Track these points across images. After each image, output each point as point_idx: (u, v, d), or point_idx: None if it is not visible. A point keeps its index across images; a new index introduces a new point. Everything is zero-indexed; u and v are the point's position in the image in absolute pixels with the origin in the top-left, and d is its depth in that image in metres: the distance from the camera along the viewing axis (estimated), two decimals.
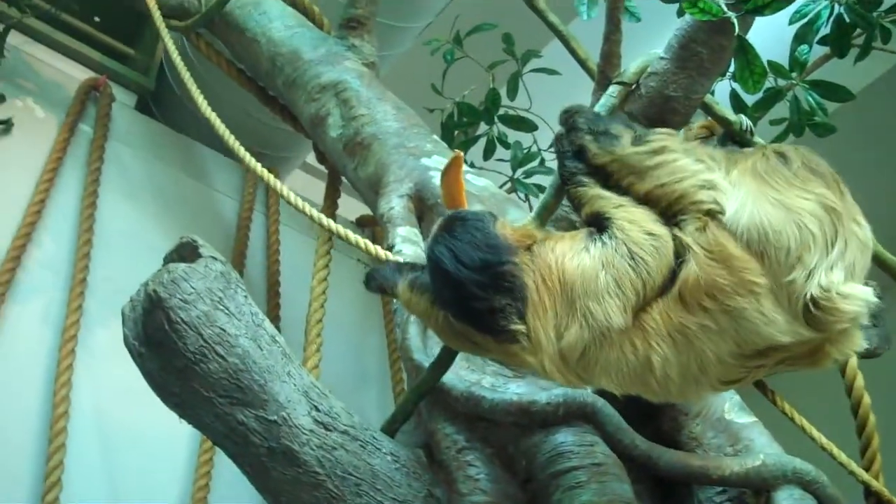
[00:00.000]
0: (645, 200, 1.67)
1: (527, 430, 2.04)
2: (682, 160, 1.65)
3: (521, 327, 1.61)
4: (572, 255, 1.63)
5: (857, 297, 1.54)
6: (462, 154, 1.95)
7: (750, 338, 1.56)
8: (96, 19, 4.27)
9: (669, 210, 1.64)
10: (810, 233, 1.55)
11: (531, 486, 2.04)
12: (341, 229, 2.33)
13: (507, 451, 2.08)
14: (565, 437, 1.99)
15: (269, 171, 4.07)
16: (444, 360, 2.05)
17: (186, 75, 2.94)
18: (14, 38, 3.63)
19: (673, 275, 1.59)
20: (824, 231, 1.56)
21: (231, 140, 2.70)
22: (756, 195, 1.59)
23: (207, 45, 3.49)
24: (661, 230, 1.62)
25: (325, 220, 2.37)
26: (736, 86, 2.71)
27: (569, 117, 1.80)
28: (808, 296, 1.53)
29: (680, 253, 1.59)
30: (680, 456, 2.07)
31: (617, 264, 1.60)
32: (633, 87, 2.00)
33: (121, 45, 4.27)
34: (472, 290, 1.61)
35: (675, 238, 1.61)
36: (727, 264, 1.55)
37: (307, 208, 2.44)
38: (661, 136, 1.70)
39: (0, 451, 2.89)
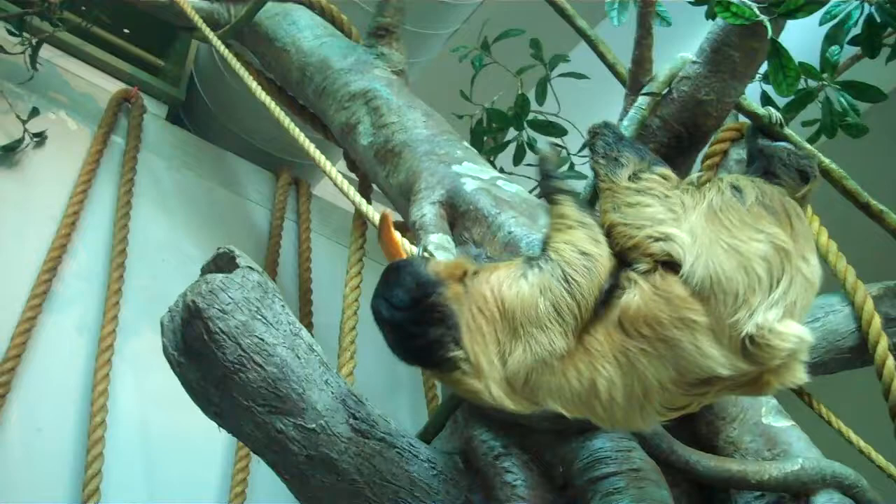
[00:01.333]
0: (608, 233, 1.75)
1: (564, 436, 2.04)
2: (655, 208, 1.73)
3: (458, 353, 1.68)
4: (510, 282, 1.71)
5: (791, 335, 1.61)
6: (389, 213, 2.00)
7: (689, 368, 1.63)
8: (126, 31, 4.31)
9: (624, 252, 1.73)
10: (757, 276, 1.63)
11: (569, 493, 2.04)
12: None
13: (544, 457, 2.08)
14: (603, 443, 1.99)
15: (299, 181, 4.18)
16: None
17: (243, 72, 2.96)
18: (46, 52, 3.67)
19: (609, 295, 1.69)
20: (771, 273, 1.64)
21: (285, 119, 2.73)
22: (711, 243, 1.66)
23: (237, 56, 3.51)
24: (595, 249, 1.72)
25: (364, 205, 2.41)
26: (767, 87, 2.71)
27: (592, 137, 1.87)
28: (746, 333, 1.61)
29: (623, 285, 1.68)
30: (718, 461, 2.07)
31: (554, 289, 1.68)
32: (663, 95, 2.00)
33: (151, 56, 4.31)
34: (409, 330, 1.71)
35: (623, 273, 1.70)
36: (669, 301, 1.64)
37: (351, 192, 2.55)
38: (655, 179, 1.77)
39: (39, 460, 2.92)
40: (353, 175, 3.77)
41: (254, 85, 2.99)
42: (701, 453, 2.10)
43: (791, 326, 1.62)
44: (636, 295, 1.66)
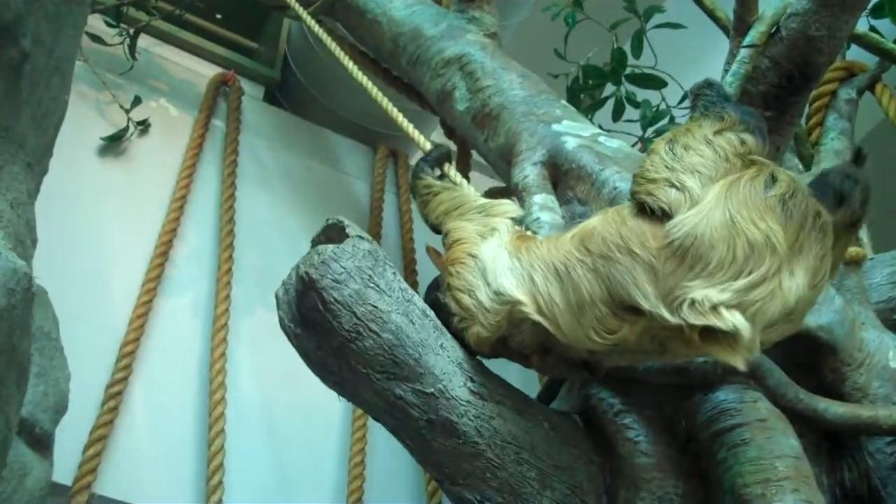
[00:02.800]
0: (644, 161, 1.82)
1: (685, 390, 2.01)
2: (703, 160, 1.73)
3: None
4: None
5: (727, 319, 1.59)
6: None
7: (617, 289, 1.67)
8: (219, 16, 4.37)
9: (638, 184, 1.78)
10: (733, 257, 1.61)
11: (693, 447, 2.01)
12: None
13: (665, 412, 2.05)
14: (726, 395, 1.95)
15: (397, 153, 4.19)
16: None
17: (334, 46, 2.98)
18: (143, 41, 3.75)
19: None
20: (747, 261, 1.61)
21: (374, 90, 2.74)
22: (712, 210, 1.66)
23: (330, 32, 3.52)
24: None
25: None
26: (875, 22, 2.60)
27: (695, 98, 1.87)
28: (688, 299, 1.61)
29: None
30: (848, 407, 2.01)
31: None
32: (772, 34, 1.93)
33: (244, 39, 4.36)
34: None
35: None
36: (626, 230, 1.70)
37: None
38: (732, 140, 1.75)
39: (164, 439, 2.99)
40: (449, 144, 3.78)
41: (343, 57, 2.99)
42: (829, 400, 2.04)
43: (735, 316, 1.59)
44: (600, 217, 1.77)
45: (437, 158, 2.32)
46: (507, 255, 1.89)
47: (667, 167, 1.75)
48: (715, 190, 1.68)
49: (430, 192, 2.24)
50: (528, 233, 2.06)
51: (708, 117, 1.80)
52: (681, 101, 3.41)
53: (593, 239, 1.74)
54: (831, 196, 1.73)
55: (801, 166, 3.03)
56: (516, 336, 1.87)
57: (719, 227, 1.63)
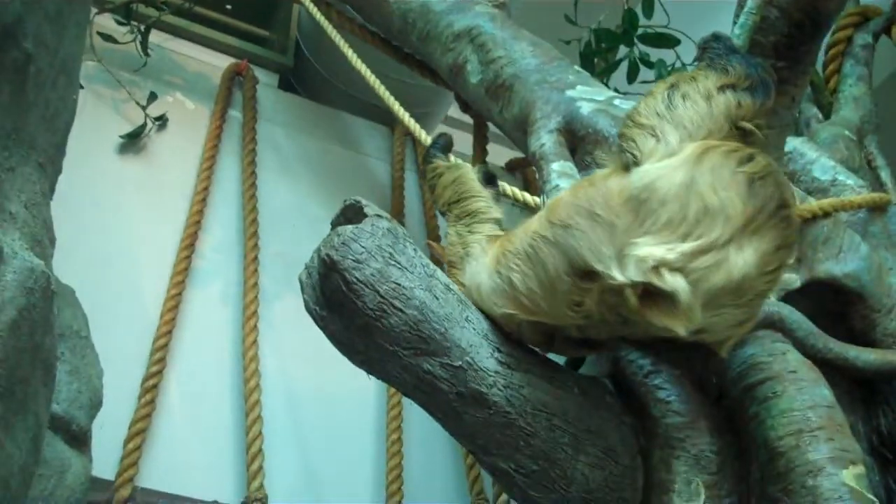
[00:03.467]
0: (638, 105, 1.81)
1: (713, 347, 2.00)
2: (693, 115, 1.71)
3: None
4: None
5: (668, 280, 1.55)
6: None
7: (573, 254, 1.65)
8: (228, 7, 4.38)
9: (624, 130, 1.77)
10: (684, 217, 1.57)
11: (725, 403, 2.01)
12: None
13: (696, 370, 2.05)
14: (755, 349, 1.95)
15: None
16: None
17: (334, 33, 2.98)
18: (155, 37, 3.76)
19: None
20: (698, 224, 1.57)
21: (379, 86, 2.74)
22: (681, 164, 1.62)
23: (339, 14, 3.52)
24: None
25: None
26: None
27: (702, 51, 1.86)
28: (633, 254, 1.58)
29: None
30: (878, 353, 2.00)
31: None
32: None
33: (255, 28, 4.36)
34: None
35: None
36: (589, 192, 1.69)
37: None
38: (730, 102, 1.73)
39: (201, 428, 3.03)
40: (464, 119, 3.77)
41: (344, 45, 3.00)
42: (859, 348, 2.03)
43: (677, 278, 1.55)
44: (571, 187, 1.81)
45: (444, 146, 2.34)
46: (487, 275, 1.90)
47: (657, 114, 1.73)
48: (688, 150, 1.65)
49: (435, 175, 2.24)
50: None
51: (714, 69, 1.78)
52: (696, 59, 3.37)
53: (558, 210, 1.73)
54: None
55: (820, 115, 3.00)
56: (520, 334, 1.90)
57: (678, 185, 1.60)
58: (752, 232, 1.58)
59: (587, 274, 1.65)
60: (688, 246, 1.56)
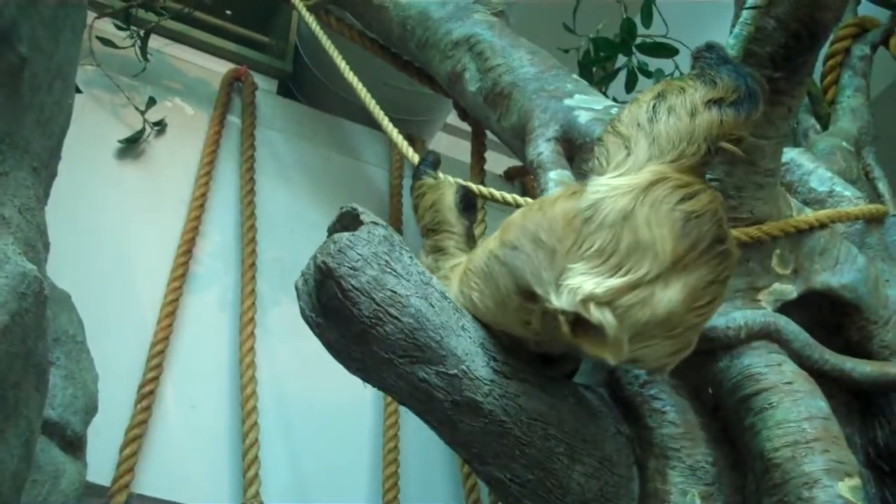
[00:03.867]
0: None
1: (709, 357, 2.01)
2: (669, 126, 1.74)
3: None
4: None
5: (595, 314, 1.59)
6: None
7: (519, 275, 1.71)
8: (228, 12, 4.38)
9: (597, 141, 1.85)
10: (616, 247, 1.61)
11: (720, 414, 2.01)
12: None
13: (691, 380, 2.05)
14: (751, 360, 1.95)
15: (413, 138, 4.19)
16: None
17: (328, 44, 2.99)
18: (154, 42, 3.75)
19: None
20: (629, 258, 1.60)
21: (370, 101, 2.76)
22: (628, 190, 1.65)
23: (338, 21, 3.53)
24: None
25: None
26: None
27: (695, 61, 1.88)
28: (566, 284, 1.62)
29: None
30: (875, 365, 2.00)
31: None
32: (768, 6, 1.90)
33: (255, 34, 4.37)
34: None
35: None
36: (536, 214, 1.74)
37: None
38: (713, 119, 1.74)
39: (197, 435, 3.02)
40: (464, 127, 3.77)
41: (336, 56, 3.01)
42: (856, 360, 2.03)
43: (605, 313, 1.59)
44: (523, 208, 1.87)
45: (433, 163, 2.34)
46: (454, 294, 1.95)
47: (638, 124, 1.76)
48: (643, 177, 1.67)
49: (419, 195, 2.26)
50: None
51: (703, 81, 1.78)
52: (693, 69, 3.38)
53: (509, 230, 1.78)
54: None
55: (817, 126, 3.01)
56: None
57: (618, 212, 1.64)
58: (681, 269, 1.62)
59: (531, 295, 1.69)
60: (616, 281, 1.60)
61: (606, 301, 1.59)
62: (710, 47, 1.86)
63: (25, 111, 1.64)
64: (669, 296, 1.60)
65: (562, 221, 1.68)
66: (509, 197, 2.52)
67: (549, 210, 1.73)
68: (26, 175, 1.63)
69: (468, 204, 2.29)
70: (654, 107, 1.77)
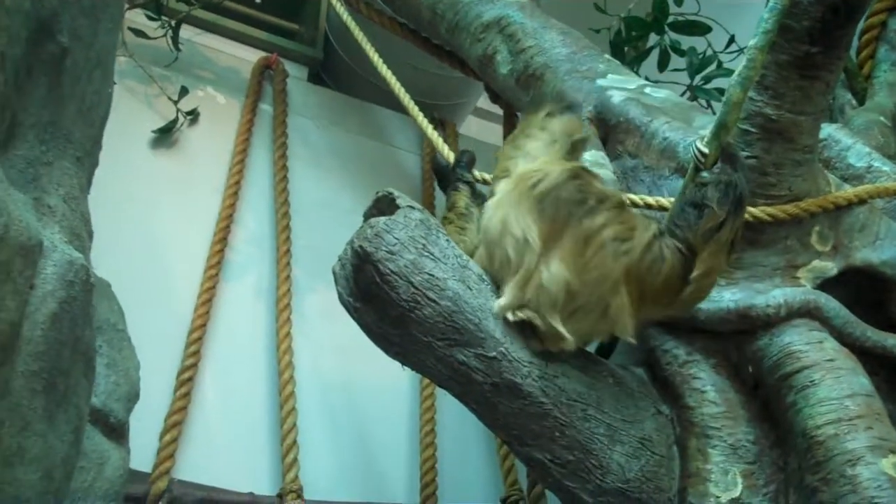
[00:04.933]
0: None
1: (749, 336, 2.00)
2: (532, 143, 2.04)
3: None
4: None
5: (520, 316, 1.83)
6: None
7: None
8: (257, 1, 4.38)
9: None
10: (507, 256, 1.84)
11: (761, 392, 2.00)
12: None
13: (731, 359, 2.04)
14: (791, 337, 1.94)
15: (444, 122, 4.19)
16: None
17: (357, 32, 2.99)
18: (185, 32, 3.77)
19: None
20: (520, 259, 1.82)
21: (398, 88, 2.76)
22: (497, 203, 1.90)
23: (367, 6, 3.53)
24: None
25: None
26: None
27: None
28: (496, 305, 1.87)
29: None
30: None
31: None
32: None
33: (285, 21, 4.37)
34: None
35: None
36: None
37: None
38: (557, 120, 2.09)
39: (236, 421, 3.04)
40: (493, 110, 3.76)
41: (370, 49, 3.00)
42: None
43: (526, 312, 1.82)
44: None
45: (469, 163, 2.33)
46: None
47: (509, 156, 2.03)
48: (508, 186, 1.90)
49: (445, 219, 2.23)
50: None
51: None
52: (727, 46, 3.35)
53: None
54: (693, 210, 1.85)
55: (854, 101, 2.97)
56: None
57: (497, 224, 1.87)
58: (553, 244, 1.80)
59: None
60: (513, 284, 1.82)
61: (518, 305, 1.82)
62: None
63: (67, 101, 1.65)
64: (553, 270, 1.78)
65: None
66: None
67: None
68: (70, 164, 1.65)
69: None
70: (513, 139, 2.09)
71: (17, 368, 1.36)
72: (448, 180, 2.29)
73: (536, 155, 1.99)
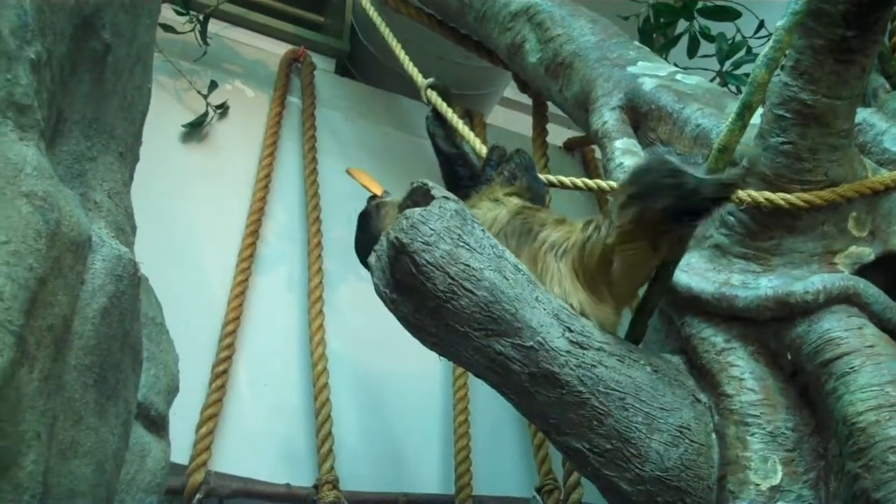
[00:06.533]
0: None
1: (787, 323, 1.98)
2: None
3: None
4: None
5: None
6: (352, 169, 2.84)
7: None
8: None
9: None
10: None
11: (800, 379, 1.99)
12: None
13: (769, 346, 2.03)
14: (830, 324, 1.92)
15: (472, 112, 4.19)
16: (667, 263, 2.04)
17: (383, 27, 2.99)
18: (213, 26, 3.78)
19: None
20: None
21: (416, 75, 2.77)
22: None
23: (397, 2, 3.53)
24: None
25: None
26: None
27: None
28: None
29: None
30: None
31: None
32: None
33: (311, 14, 4.37)
34: None
35: None
36: None
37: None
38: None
39: (271, 413, 3.06)
40: (521, 100, 3.75)
41: (396, 46, 3.01)
42: None
43: None
44: None
45: (498, 160, 2.43)
46: None
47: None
48: None
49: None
50: None
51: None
52: (756, 31, 3.33)
53: None
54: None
55: (887, 85, 2.93)
56: None
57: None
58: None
59: None
60: None
61: None
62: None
63: (110, 96, 1.67)
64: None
65: None
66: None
67: None
68: (113, 160, 1.66)
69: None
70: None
71: (69, 363, 1.37)
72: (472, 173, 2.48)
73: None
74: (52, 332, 1.29)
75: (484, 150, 2.55)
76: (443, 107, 2.65)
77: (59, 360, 1.31)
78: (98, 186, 1.60)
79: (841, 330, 1.91)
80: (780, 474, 1.90)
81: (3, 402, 1.18)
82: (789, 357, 1.98)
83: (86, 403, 1.39)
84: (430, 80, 2.74)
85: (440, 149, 2.68)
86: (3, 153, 1.29)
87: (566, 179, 2.54)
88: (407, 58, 2.92)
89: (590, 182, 2.50)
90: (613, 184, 2.33)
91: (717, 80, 3.27)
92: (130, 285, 1.53)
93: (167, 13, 3.61)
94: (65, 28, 1.48)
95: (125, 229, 1.66)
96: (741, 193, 2.02)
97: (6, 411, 1.19)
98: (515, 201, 2.23)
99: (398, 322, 1.95)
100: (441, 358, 1.99)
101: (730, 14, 3.26)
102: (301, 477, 2.91)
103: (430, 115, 2.72)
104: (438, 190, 1.92)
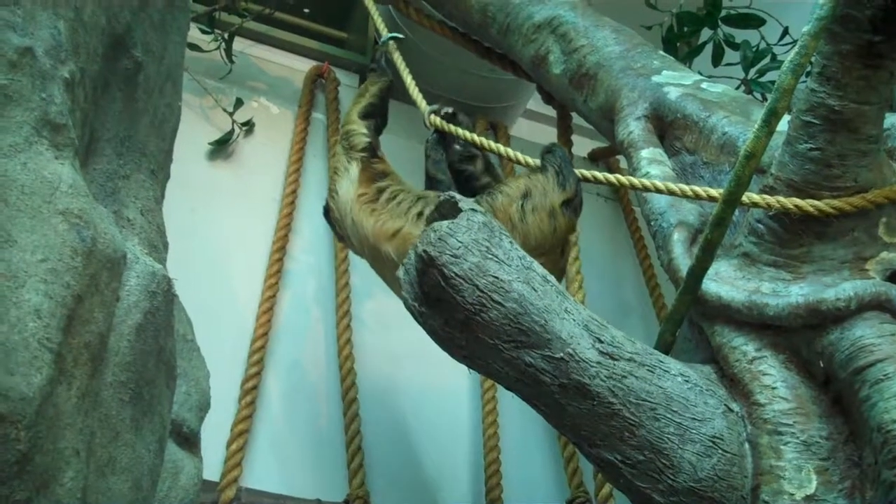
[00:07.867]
0: None
1: (819, 330, 1.97)
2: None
3: None
4: None
5: None
6: None
7: None
8: (307, 11, 4.42)
9: None
10: None
11: (832, 387, 1.97)
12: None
13: (801, 354, 2.01)
14: (863, 331, 1.90)
15: (496, 125, 4.19)
16: (696, 272, 2.04)
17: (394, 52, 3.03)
18: (238, 44, 3.82)
19: None
20: None
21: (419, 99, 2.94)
22: None
23: (417, 12, 3.54)
24: None
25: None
26: None
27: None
28: None
29: None
30: None
31: None
32: None
33: (334, 30, 4.40)
34: None
35: None
36: None
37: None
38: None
39: (301, 428, 3.07)
40: (544, 112, 3.75)
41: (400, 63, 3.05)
42: None
43: None
44: None
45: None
46: None
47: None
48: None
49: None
50: None
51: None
52: (781, 38, 3.31)
53: None
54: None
55: None
56: None
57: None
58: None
59: None
60: None
61: None
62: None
63: (141, 114, 1.69)
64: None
65: None
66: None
67: None
68: (145, 177, 1.68)
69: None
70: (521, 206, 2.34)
71: (105, 379, 1.38)
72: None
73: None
74: (89, 350, 1.30)
75: (511, 154, 2.61)
76: (450, 128, 2.71)
77: (95, 377, 1.32)
78: (131, 204, 1.61)
79: (874, 336, 1.89)
80: (814, 483, 1.88)
81: (42, 419, 1.19)
82: (821, 365, 1.96)
83: (122, 420, 1.40)
84: (434, 106, 2.76)
85: (428, 173, 2.81)
86: (38, 172, 1.31)
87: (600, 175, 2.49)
88: (413, 83, 2.92)
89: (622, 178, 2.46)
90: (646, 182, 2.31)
91: (742, 87, 3.26)
92: (164, 301, 1.55)
93: (193, 32, 3.62)
94: (97, 47, 1.50)
95: (158, 246, 1.68)
96: (770, 199, 2.01)
97: (45, 428, 1.20)
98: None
99: (426, 335, 1.96)
100: (470, 371, 1.99)
101: (754, 21, 3.25)
102: (332, 492, 2.91)
103: (432, 139, 2.81)
104: (466, 202, 1.93)
